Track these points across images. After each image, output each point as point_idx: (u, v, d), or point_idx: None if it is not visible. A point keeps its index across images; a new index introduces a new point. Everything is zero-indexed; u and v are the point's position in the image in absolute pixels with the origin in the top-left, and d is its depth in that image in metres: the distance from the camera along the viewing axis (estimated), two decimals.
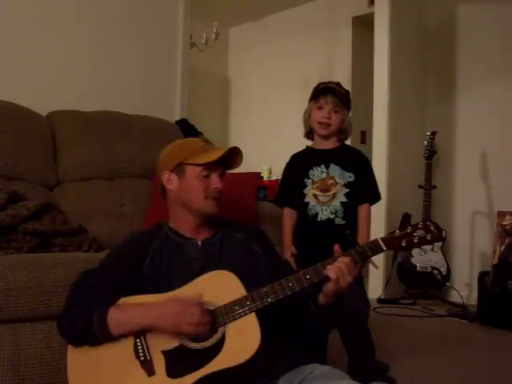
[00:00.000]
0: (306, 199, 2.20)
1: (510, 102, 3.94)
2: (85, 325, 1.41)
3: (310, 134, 2.30)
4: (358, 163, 2.24)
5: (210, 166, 1.55)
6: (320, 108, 2.21)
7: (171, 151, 1.62)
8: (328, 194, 2.18)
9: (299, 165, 2.28)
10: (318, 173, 2.21)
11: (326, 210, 2.17)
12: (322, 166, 2.21)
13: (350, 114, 2.28)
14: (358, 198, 2.20)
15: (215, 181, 1.56)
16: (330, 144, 2.26)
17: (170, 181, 1.58)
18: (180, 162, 1.56)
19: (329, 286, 1.42)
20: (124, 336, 1.41)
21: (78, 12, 3.08)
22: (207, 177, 1.55)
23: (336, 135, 2.25)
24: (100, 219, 2.41)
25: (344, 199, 2.17)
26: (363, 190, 2.21)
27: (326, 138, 2.25)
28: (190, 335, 1.36)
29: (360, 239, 2.13)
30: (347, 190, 2.18)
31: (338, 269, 1.39)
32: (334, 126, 2.21)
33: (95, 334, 1.40)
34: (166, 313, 1.37)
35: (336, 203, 2.17)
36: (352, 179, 2.19)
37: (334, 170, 2.20)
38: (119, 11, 3.26)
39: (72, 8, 3.06)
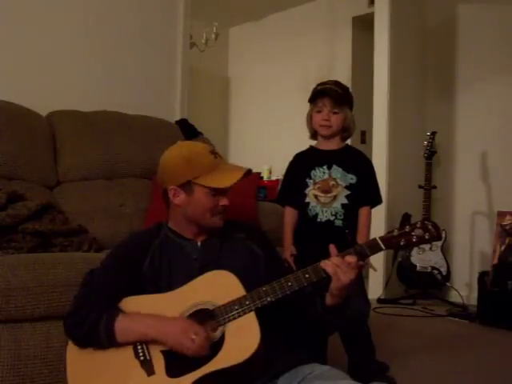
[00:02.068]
0: (307, 199, 2.20)
1: (510, 102, 3.94)
2: (92, 329, 1.40)
3: (314, 135, 2.30)
4: (360, 165, 2.24)
5: None
6: (319, 111, 2.21)
7: (179, 165, 1.54)
8: (329, 195, 2.18)
9: (302, 164, 2.27)
10: (319, 173, 2.20)
11: (326, 212, 2.17)
12: (325, 167, 2.20)
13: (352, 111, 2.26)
14: (359, 201, 2.20)
15: (224, 200, 1.54)
16: (334, 144, 2.25)
17: (177, 194, 1.54)
18: (189, 180, 1.52)
19: (332, 284, 1.42)
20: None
21: (77, 12, 3.08)
22: (215, 195, 1.53)
23: (339, 134, 2.24)
24: (100, 219, 2.41)
25: (345, 201, 2.17)
26: (365, 192, 2.21)
27: (328, 138, 2.24)
28: (189, 355, 1.35)
29: (359, 241, 2.13)
30: (348, 192, 2.18)
31: (334, 264, 1.39)
32: (334, 127, 2.21)
33: (101, 339, 1.40)
34: (173, 329, 1.37)
35: (337, 205, 2.17)
36: (354, 181, 2.19)
37: (336, 171, 2.19)
38: (119, 11, 3.26)
39: (72, 8, 3.06)
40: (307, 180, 2.21)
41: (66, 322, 1.48)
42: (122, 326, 1.39)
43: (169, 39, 3.52)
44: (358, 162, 2.24)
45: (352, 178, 2.19)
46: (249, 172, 1.57)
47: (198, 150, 1.57)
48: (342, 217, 2.17)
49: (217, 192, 1.53)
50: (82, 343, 1.44)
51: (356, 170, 2.20)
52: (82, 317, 1.43)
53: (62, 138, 2.57)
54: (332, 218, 2.17)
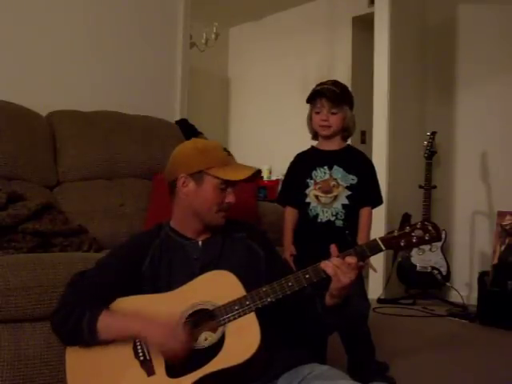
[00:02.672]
0: (308, 200, 2.20)
1: (510, 102, 3.94)
2: (75, 325, 1.41)
3: (315, 136, 2.30)
4: (361, 166, 2.24)
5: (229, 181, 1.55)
6: (318, 112, 2.21)
7: (193, 155, 1.56)
8: (330, 195, 2.17)
9: (303, 164, 2.27)
10: (320, 174, 2.20)
11: (326, 212, 2.17)
12: (325, 167, 2.20)
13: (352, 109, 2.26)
14: (359, 201, 2.20)
15: (230, 196, 1.55)
16: (335, 144, 2.25)
17: (185, 184, 1.55)
18: (201, 170, 1.53)
19: (332, 285, 1.42)
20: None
21: (78, 12, 3.08)
22: (223, 190, 1.55)
23: (339, 134, 2.24)
24: (100, 219, 2.41)
25: (346, 201, 2.17)
26: (366, 193, 2.21)
27: (329, 138, 2.24)
28: (168, 357, 1.36)
29: (359, 242, 2.13)
30: (349, 193, 2.17)
31: (334, 265, 1.39)
32: (334, 127, 2.20)
33: (84, 336, 1.40)
34: (154, 330, 1.37)
35: (337, 205, 2.17)
36: (355, 182, 2.19)
37: (337, 171, 2.19)
38: (119, 11, 3.26)
39: (72, 8, 3.06)
40: (308, 180, 2.21)
41: (53, 320, 1.50)
42: (105, 323, 1.40)
43: (169, 39, 3.52)
44: (358, 163, 2.24)
45: (353, 179, 2.19)
46: (258, 173, 1.59)
47: (213, 144, 1.62)
48: (343, 217, 2.16)
49: (226, 185, 1.54)
50: (67, 340, 1.46)
51: (357, 171, 2.20)
52: (67, 313, 1.45)
53: (62, 138, 2.57)
54: (333, 219, 2.17)
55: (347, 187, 2.18)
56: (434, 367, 2.49)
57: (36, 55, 2.91)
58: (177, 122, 3.17)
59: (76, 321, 1.41)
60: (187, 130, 3.08)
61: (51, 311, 1.54)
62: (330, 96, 2.17)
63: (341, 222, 2.16)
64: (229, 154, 1.62)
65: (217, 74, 6.03)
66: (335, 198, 2.17)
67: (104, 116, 2.75)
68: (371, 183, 2.25)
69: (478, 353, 2.76)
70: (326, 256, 1.43)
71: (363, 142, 4.89)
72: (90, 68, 3.11)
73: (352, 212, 2.18)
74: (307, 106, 2.29)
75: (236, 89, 6.15)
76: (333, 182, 2.18)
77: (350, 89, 2.29)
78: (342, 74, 4.76)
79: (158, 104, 3.34)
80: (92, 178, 2.56)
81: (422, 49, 4.39)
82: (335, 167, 2.20)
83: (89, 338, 1.40)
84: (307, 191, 2.21)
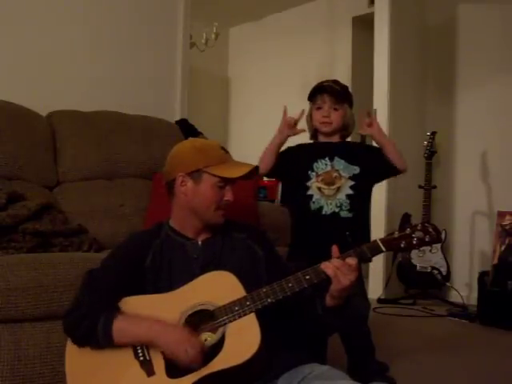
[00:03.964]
0: (310, 192, 2.19)
1: (510, 102, 3.94)
2: (90, 329, 1.40)
3: (314, 135, 2.30)
4: (363, 153, 2.24)
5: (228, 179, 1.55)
6: (319, 108, 2.21)
7: (191, 154, 1.57)
8: (333, 187, 2.17)
9: (303, 157, 2.26)
10: (322, 165, 2.20)
11: (330, 204, 2.16)
12: (326, 159, 2.20)
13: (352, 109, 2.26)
14: (365, 190, 2.20)
15: (229, 194, 1.55)
16: (334, 140, 2.26)
17: (184, 183, 1.55)
18: (199, 168, 1.54)
19: (332, 286, 1.42)
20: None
21: (78, 12, 3.08)
22: (222, 188, 1.55)
23: (339, 132, 2.25)
24: (100, 219, 2.41)
25: (350, 192, 2.16)
26: (385, 164, 2.19)
27: (329, 135, 2.24)
28: (181, 364, 1.35)
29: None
30: (353, 183, 2.17)
31: (334, 266, 1.39)
32: (335, 124, 2.21)
33: (99, 340, 1.39)
34: (169, 338, 1.36)
35: (341, 196, 2.16)
36: (357, 172, 2.18)
37: (339, 163, 2.19)
38: (119, 11, 3.26)
39: (72, 8, 3.06)
40: (309, 172, 2.20)
41: (65, 321, 1.48)
42: (120, 328, 1.39)
43: (169, 39, 3.52)
44: (360, 153, 2.24)
45: (355, 169, 2.19)
46: (256, 169, 1.59)
47: (210, 143, 1.64)
48: (348, 207, 2.16)
49: (225, 183, 1.54)
50: (80, 342, 1.44)
51: (359, 161, 2.20)
52: (80, 316, 1.43)
53: (62, 138, 2.57)
54: (337, 210, 2.16)
55: (350, 177, 2.17)
56: (434, 367, 2.49)
57: (36, 55, 2.90)
58: (177, 122, 3.17)
59: (90, 324, 1.40)
60: (187, 129, 3.08)
61: (62, 313, 1.52)
62: (331, 92, 2.18)
63: (346, 212, 2.16)
64: (226, 152, 1.62)
65: (217, 73, 6.03)
66: (338, 189, 2.17)
67: (104, 116, 2.75)
68: (383, 158, 2.21)
69: (478, 353, 2.76)
70: (331, 248, 1.43)
71: (363, 141, 4.88)
72: (90, 68, 3.11)
73: (358, 201, 2.18)
74: (307, 106, 2.29)
75: (236, 89, 6.14)
76: (335, 174, 2.18)
77: (349, 89, 2.29)
78: (342, 73, 4.75)
79: (158, 104, 3.35)
80: (92, 178, 2.57)
81: (422, 49, 4.39)
82: (336, 158, 2.19)
83: (103, 342, 1.39)
84: (309, 183, 2.20)
